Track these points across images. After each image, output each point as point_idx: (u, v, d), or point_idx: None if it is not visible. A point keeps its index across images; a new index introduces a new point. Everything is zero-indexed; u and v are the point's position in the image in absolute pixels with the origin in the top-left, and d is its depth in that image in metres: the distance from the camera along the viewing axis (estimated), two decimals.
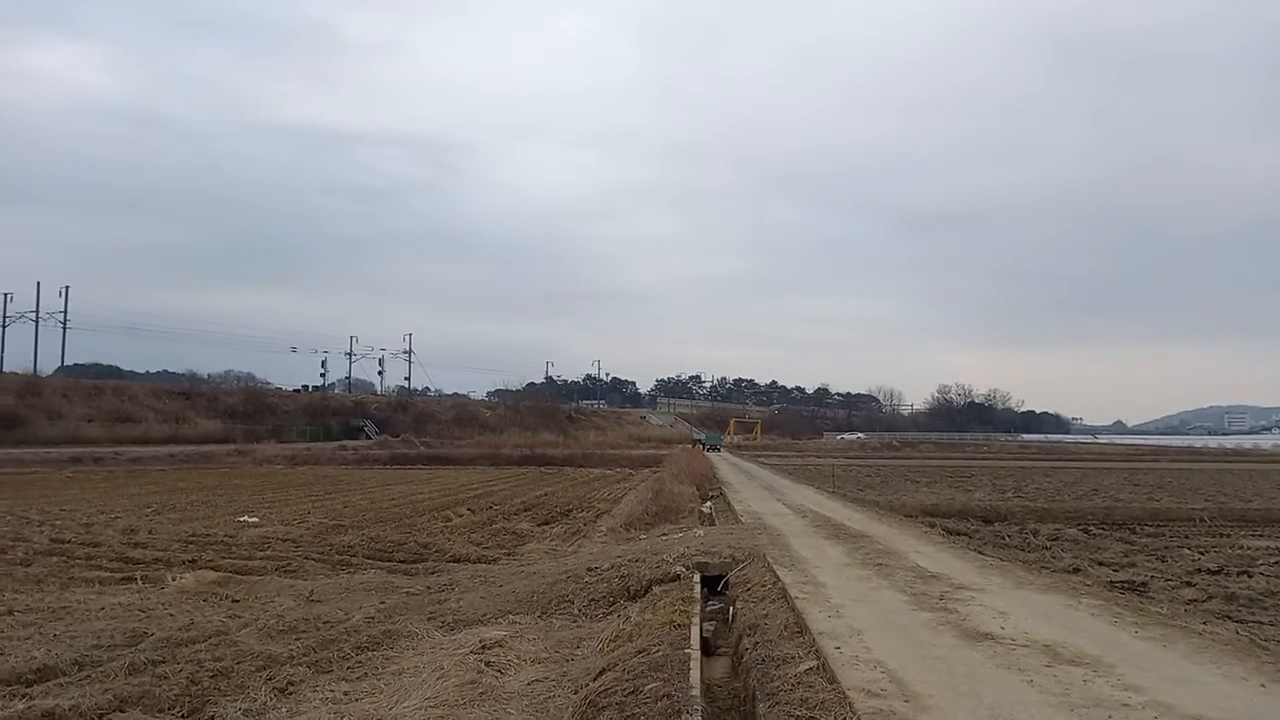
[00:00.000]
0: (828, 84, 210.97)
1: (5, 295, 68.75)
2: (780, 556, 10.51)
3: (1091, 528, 18.74)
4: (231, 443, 55.98)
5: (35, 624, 8.74)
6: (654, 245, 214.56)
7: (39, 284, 70.43)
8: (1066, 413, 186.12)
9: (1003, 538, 16.80)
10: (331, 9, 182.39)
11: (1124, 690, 5.11)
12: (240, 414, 68.02)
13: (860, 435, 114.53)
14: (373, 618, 8.96)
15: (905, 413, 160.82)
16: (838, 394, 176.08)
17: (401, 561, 13.99)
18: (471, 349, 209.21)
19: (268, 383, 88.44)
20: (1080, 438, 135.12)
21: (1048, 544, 16.03)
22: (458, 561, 14.16)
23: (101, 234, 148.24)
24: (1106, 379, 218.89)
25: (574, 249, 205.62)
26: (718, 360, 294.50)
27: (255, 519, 19.29)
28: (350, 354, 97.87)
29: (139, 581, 11.32)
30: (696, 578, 9.64)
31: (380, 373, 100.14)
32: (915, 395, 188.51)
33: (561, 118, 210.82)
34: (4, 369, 65.21)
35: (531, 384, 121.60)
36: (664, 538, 13.88)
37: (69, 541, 15.14)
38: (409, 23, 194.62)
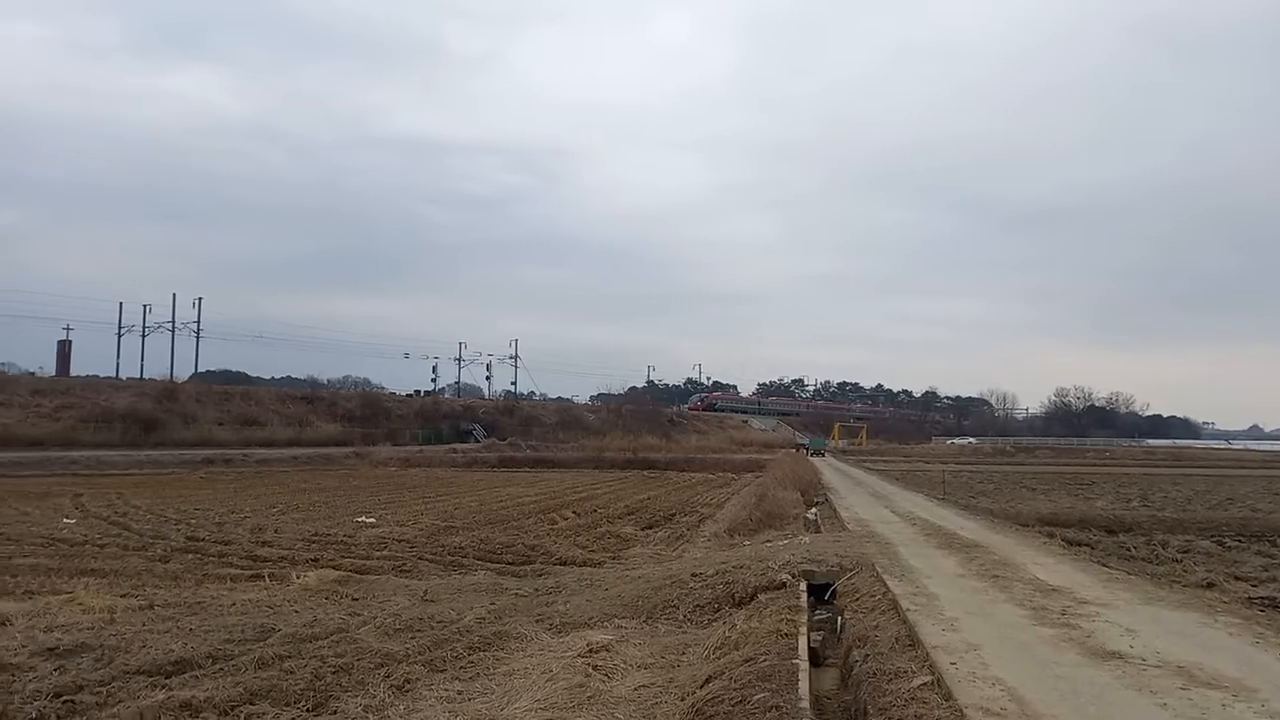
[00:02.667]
0: (929, 80, 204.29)
1: (145, 306, 73.48)
2: (890, 566, 10.26)
3: (1226, 539, 17.62)
4: (349, 445, 58.31)
5: (173, 618, 9.30)
6: (753, 247, 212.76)
7: (174, 295, 75.04)
8: (1197, 417, 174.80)
9: (1128, 549, 15.96)
10: (435, 25, 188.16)
11: (1268, 718, 4.77)
12: (357, 418, 70.79)
13: (972, 440, 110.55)
14: (483, 618, 9.17)
15: (1019, 416, 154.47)
16: (947, 397, 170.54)
17: (510, 563, 14.29)
18: (574, 353, 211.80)
19: (382, 388, 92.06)
20: (1212, 443, 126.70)
21: (1178, 557, 15.15)
22: (564, 564, 14.36)
23: (230, 247, 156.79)
24: (1240, 381, 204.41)
25: (673, 252, 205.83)
26: (820, 363, 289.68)
27: (372, 520, 20.05)
28: (459, 359, 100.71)
29: (266, 579, 11.92)
30: (803, 586, 9.50)
31: (488, 377, 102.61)
32: (1029, 398, 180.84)
33: (658, 121, 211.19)
34: (144, 375, 69.80)
35: (633, 388, 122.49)
36: (768, 544, 13.75)
37: (203, 539, 16.12)
38: (508, 35, 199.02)
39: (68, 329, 69.53)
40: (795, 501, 23.56)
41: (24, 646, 7.68)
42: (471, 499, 27.07)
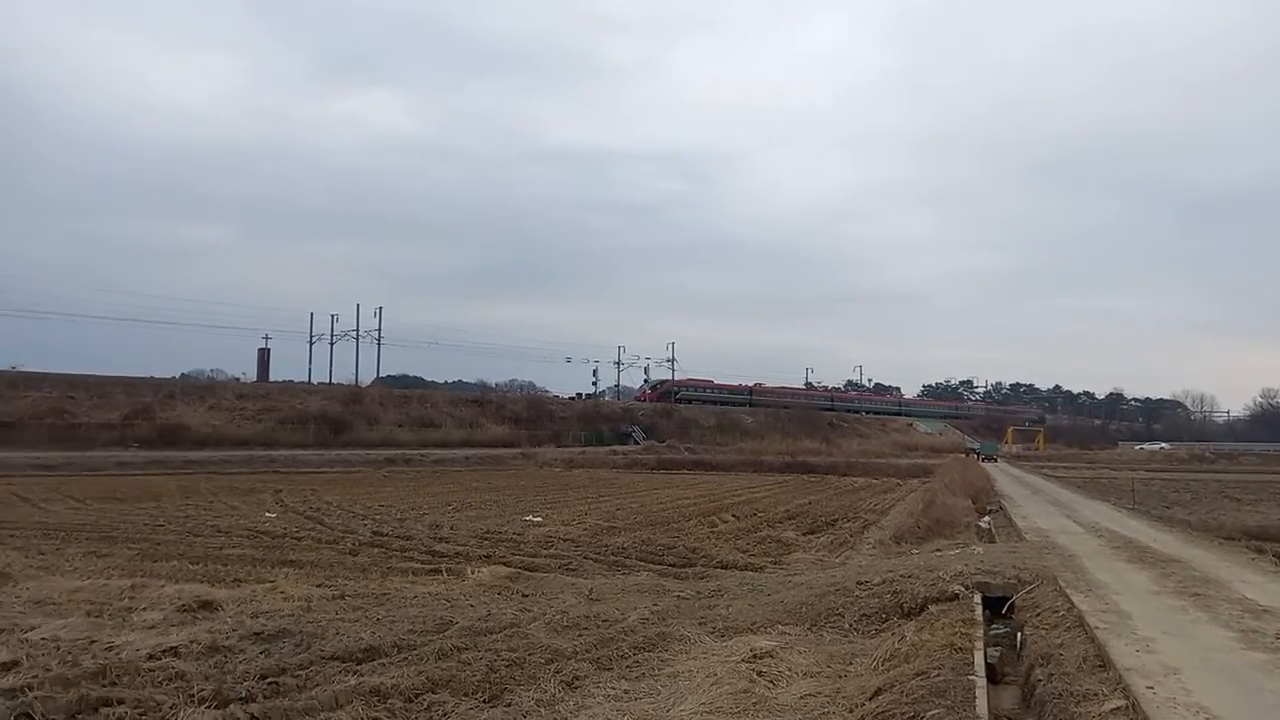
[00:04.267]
0: (1102, 62, 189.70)
1: (333, 316, 79.48)
2: (1074, 580, 9.63)
3: None
4: (516, 447, 60.64)
5: (362, 608, 9.96)
6: (913, 245, 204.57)
7: (358, 306, 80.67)
8: None
9: None
10: (592, 38, 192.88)
11: None
12: (524, 420, 73.53)
13: (1164, 445, 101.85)
14: (647, 619, 9.31)
15: (1219, 420, 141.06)
16: (1134, 399, 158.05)
17: (671, 565, 14.42)
18: (731, 355, 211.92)
19: (546, 391, 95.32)
20: None
21: None
22: (725, 568, 14.35)
23: (408, 259, 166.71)
24: None
25: (831, 252, 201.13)
26: (990, 363, 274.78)
27: (539, 519, 20.76)
28: (619, 363, 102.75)
29: (444, 573, 12.57)
30: (977, 598, 9.07)
31: (645, 380, 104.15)
32: (1229, 400, 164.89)
33: (813, 121, 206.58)
34: (333, 380, 75.42)
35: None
36: (938, 553, 13.22)
37: (387, 535, 17.20)
38: (663, 43, 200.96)
39: (267, 338, 76.15)
40: (966, 509, 22.53)
41: (234, 630, 8.44)
42: (632, 500, 27.51)
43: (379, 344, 79.98)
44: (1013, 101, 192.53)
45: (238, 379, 72.06)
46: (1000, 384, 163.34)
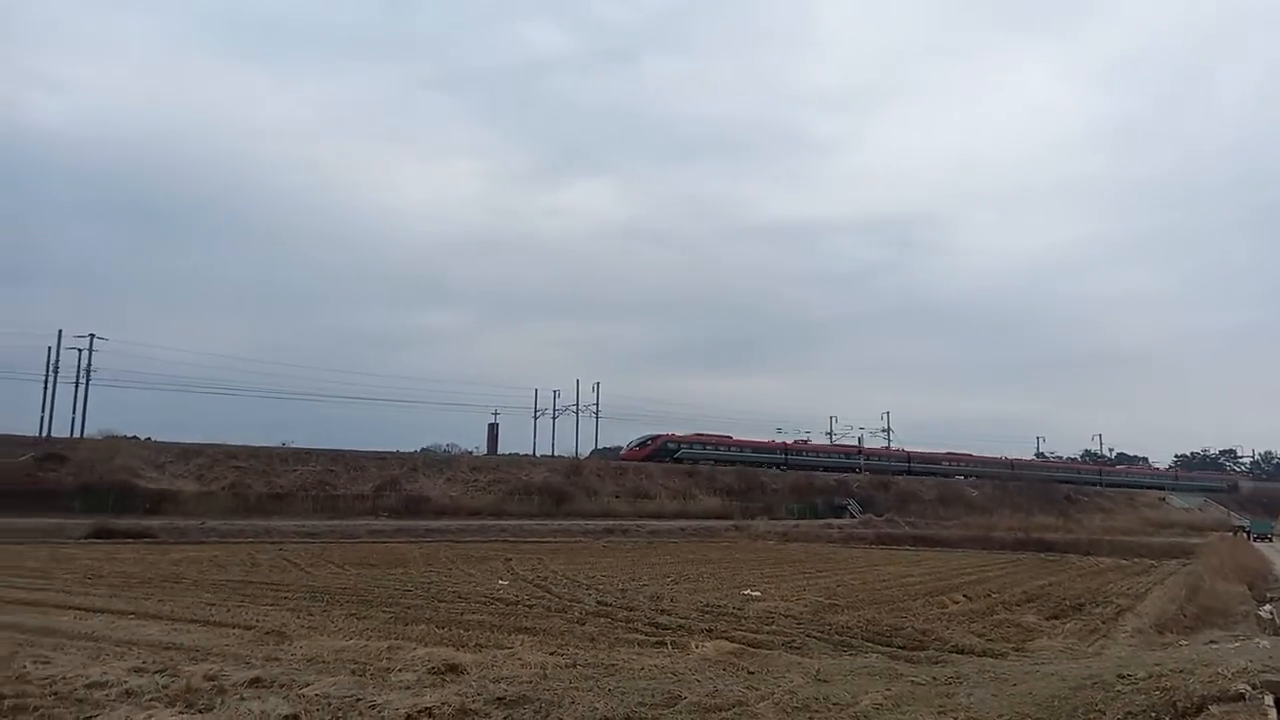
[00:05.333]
0: None
1: (555, 391, 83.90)
2: None
3: None
4: (729, 519, 60.46)
5: (593, 678, 10.25)
6: (1141, 300, 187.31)
7: (578, 381, 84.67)
8: None
9: None
10: (797, 118, 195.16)
11: None
12: (735, 491, 73.32)
13: None
14: (880, 704, 8.92)
15: None
16: None
17: (901, 647, 13.76)
18: (949, 424, 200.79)
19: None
20: None
21: None
22: (960, 652, 13.50)
23: (621, 336, 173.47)
24: None
25: (1054, 312, 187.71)
26: (1257, 430, 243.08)
27: (757, 593, 20.53)
28: (830, 434, 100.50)
29: (668, 646, 12.72)
30: (1268, 700, 7.97)
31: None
32: None
33: (1022, 177, 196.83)
34: (555, 453, 79.15)
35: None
36: (1212, 646, 11.77)
37: (611, 605, 17.64)
38: (867, 115, 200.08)
39: (495, 414, 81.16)
40: (1241, 596, 19.95)
41: (479, 694, 8.95)
42: (852, 577, 26.57)
43: (597, 418, 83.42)
44: (1239, 143, 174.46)
45: (470, 452, 77.05)
46: (1270, 453, 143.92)
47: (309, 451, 61.15)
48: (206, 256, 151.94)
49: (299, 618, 14.98)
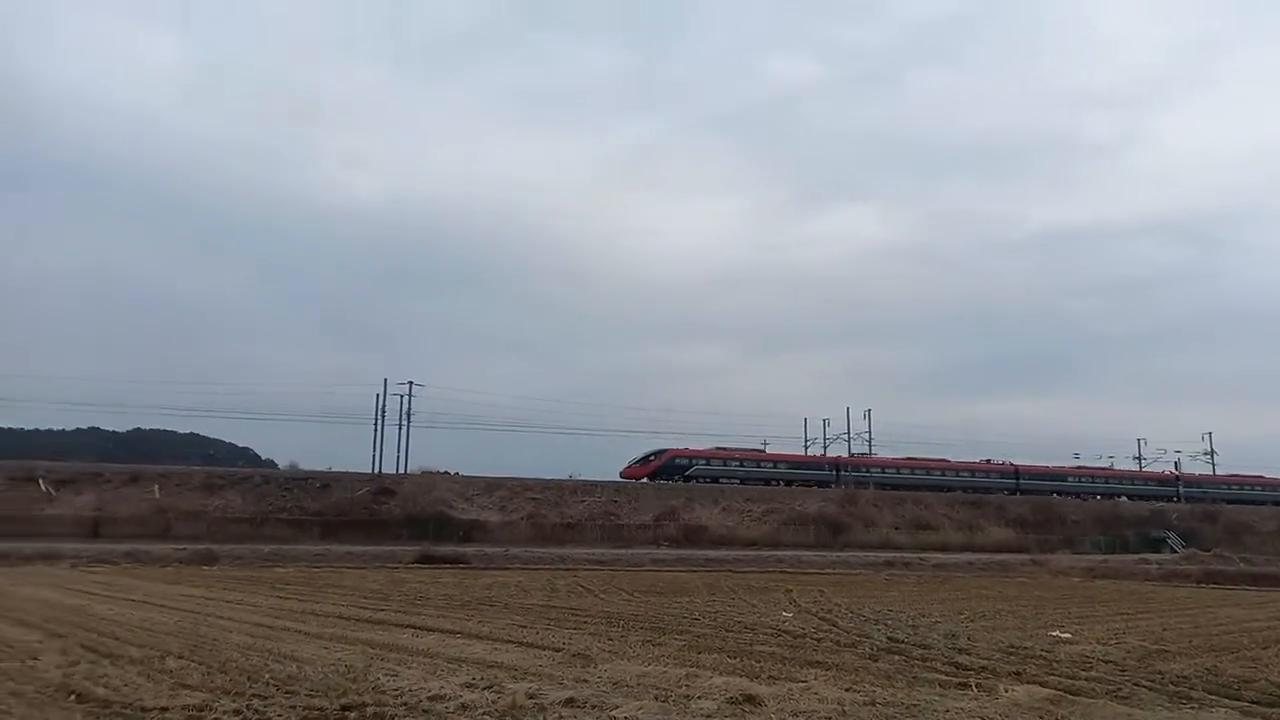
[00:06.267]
0: None
1: (824, 420, 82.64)
2: None
3: None
4: (1024, 552, 56.05)
5: (895, 717, 9.94)
6: None
7: (848, 409, 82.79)
8: None
9: None
10: (1071, 121, 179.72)
11: None
12: (1029, 523, 67.92)
13: None
14: None
15: None
16: None
17: (1253, 702, 12.00)
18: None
19: (1054, 494, 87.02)
20: None
21: None
22: None
23: (890, 361, 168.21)
24: None
25: None
26: None
27: (1067, 635, 18.82)
28: (1139, 458, 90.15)
29: (973, 688, 12.01)
30: None
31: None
32: None
33: None
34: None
35: None
36: None
37: (902, 641, 16.98)
38: (1150, 111, 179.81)
39: (764, 444, 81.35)
40: None
41: None
42: (1180, 619, 23.55)
43: (869, 445, 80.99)
44: None
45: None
46: None
47: (594, 484, 64.94)
48: (499, 309, 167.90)
49: (600, 641, 15.87)
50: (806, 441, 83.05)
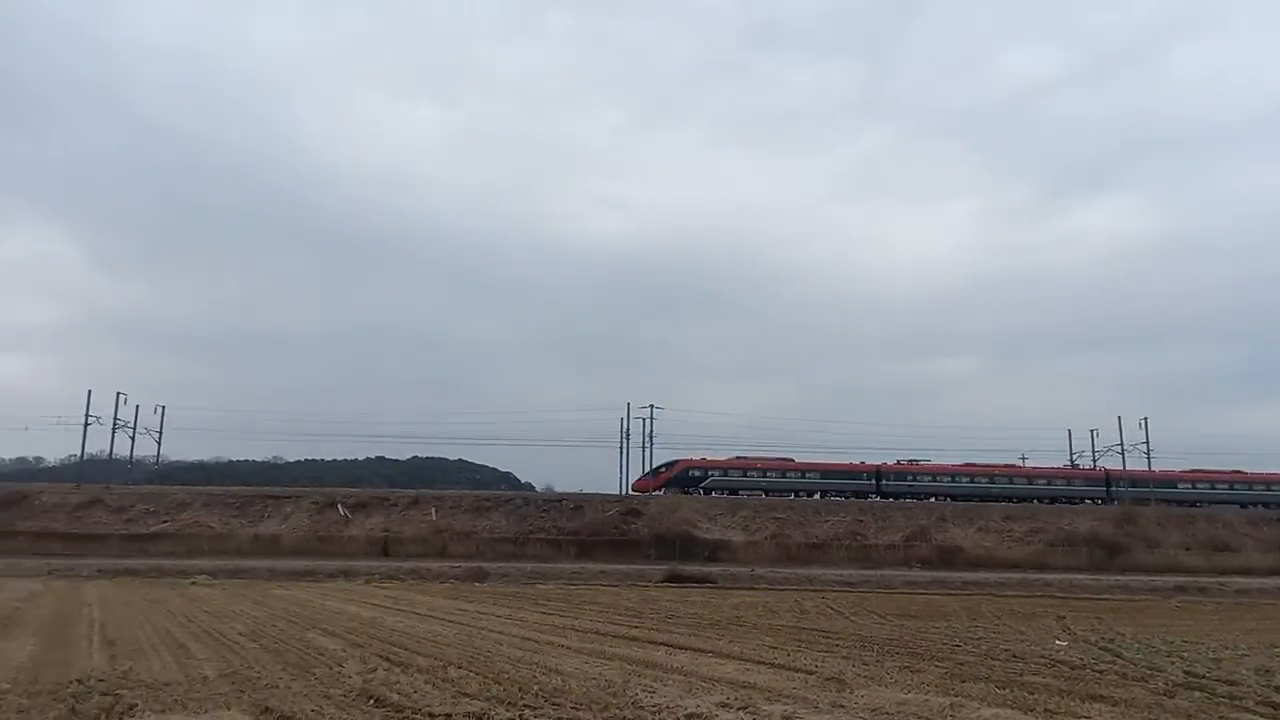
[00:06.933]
0: None
1: (1092, 431, 76.07)
2: None
3: None
4: None
5: None
6: None
7: (1120, 418, 75.61)
8: None
9: None
10: None
11: None
12: None
13: None
14: None
15: None
16: None
17: None
18: None
19: None
20: None
21: None
22: None
23: (1161, 364, 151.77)
24: None
25: None
26: None
27: None
28: None
29: None
30: None
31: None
32: None
33: None
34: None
35: None
36: None
37: (1204, 676, 15.11)
38: None
39: (1023, 458, 76.05)
40: None
41: None
42: None
43: (1148, 458, 73.21)
44: None
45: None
46: None
47: (839, 503, 63.49)
48: (735, 331, 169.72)
49: (854, 666, 15.45)
50: (1072, 454, 76.55)
